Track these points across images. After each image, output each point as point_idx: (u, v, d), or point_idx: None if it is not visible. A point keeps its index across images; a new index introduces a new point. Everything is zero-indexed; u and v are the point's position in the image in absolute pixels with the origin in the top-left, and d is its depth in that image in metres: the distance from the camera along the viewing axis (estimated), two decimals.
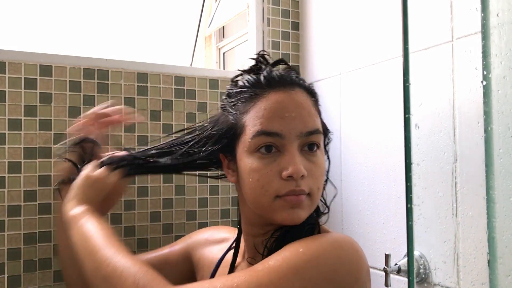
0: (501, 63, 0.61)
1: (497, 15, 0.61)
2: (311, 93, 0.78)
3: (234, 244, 0.88)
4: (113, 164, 0.90)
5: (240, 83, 0.78)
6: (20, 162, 1.16)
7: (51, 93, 1.20)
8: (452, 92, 0.98)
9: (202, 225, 1.33)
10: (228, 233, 0.98)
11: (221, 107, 0.82)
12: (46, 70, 1.20)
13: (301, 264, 0.63)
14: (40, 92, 1.19)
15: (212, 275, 0.86)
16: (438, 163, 1.01)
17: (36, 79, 1.19)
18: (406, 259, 1.07)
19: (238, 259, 0.85)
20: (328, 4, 1.42)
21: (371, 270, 1.23)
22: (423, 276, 1.04)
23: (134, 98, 1.29)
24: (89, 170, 0.89)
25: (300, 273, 0.62)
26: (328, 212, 0.81)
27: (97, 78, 1.25)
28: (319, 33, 1.47)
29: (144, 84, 1.31)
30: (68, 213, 0.83)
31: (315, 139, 0.73)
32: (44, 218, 1.18)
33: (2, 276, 1.13)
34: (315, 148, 0.73)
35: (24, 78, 1.18)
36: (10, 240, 1.14)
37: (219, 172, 0.87)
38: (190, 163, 0.83)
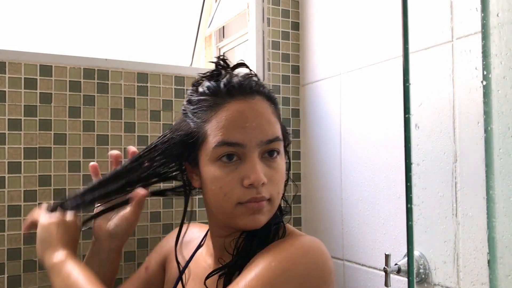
0: (501, 63, 0.61)
1: (497, 15, 0.61)
2: (271, 100, 0.79)
3: (203, 242, 0.92)
4: (71, 206, 0.90)
5: (200, 89, 0.79)
6: (20, 162, 1.16)
7: (51, 93, 1.20)
8: (452, 92, 0.98)
9: None
10: (198, 232, 0.99)
11: (183, 113, 0.82)
12: (46, 70, 1.20)
13: (274, 279, 0.66)
14: (40, 92, 1.19)
15: (181, 274, 0.85)
16: (438, 163, 1.01)
17: (36, 79, 1.19)
18: (406, 259, 1.07)
19: (208, 259, 0.88)
20: (328, 4, 1.42)
21: (371, 270, 1.24)
22: (423, 276, 1.04)
23: (134, 98, 1.29)
24: (55, 215, 0.88)
25: None
26: (289, 212, 0.85)
27: (97, 78, 1.25)
28: (319, 33, 1.47)
29: (144, 84, 1.31)
30: (50, 260, 0.82)
31: (275, 146, 0.75)
32: None
33: (2, 276, 1.13)
34: (275, 154, 0.76)
35: (24, 78, 1.18)
36: (10, 240, 1.14)
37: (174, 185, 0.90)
38: (152, 174, 0.84)
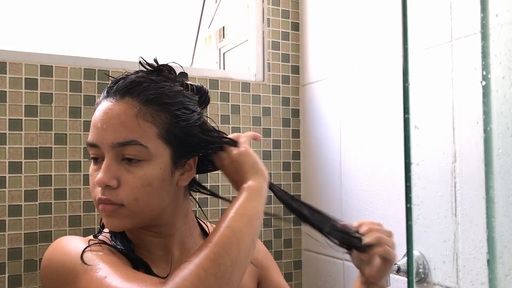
0: (501, 64, 0.61)
1: (497, 16, 0.61)
2: (146, 102, 0.72)
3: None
4: None
5: None
6: (21, 162, 1.16)
7: (52, 93, 1.20)
8: (452, 92, 0.99)
9: None
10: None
11: None
12: (46, 70, 1.20)
13: None
14: (40, 92, 1.19)
15: None
16: (437, 163, 1.01)
17: (37, 79, 1.19)
18: (405, 258, 1.07)
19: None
20: (328, 4, 1.42)
21: None
22: (422, 275, 1.04)
23: None
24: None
25: None
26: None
27: (97, 78, 1.26)
28: (319, 34, 1.47)
29: None
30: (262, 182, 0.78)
31: (131, 151, 0.71)
32: (45, 218, 1.18)
33: (3, 275, 1.13)
34: (135, 160, 0.72)
35: (25, 78, 1.18)
36: (11, 240, 1.15)
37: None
38: None
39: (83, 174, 1.23)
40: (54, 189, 1.19)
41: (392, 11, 1.18)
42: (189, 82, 0.81)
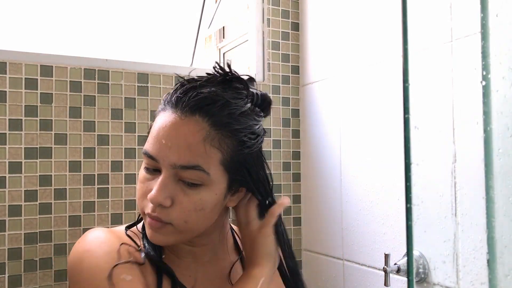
0: (501, 64, 0.62)
1: (497, 16, 0.61)
2: (218, 126, 0.69)
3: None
4: None
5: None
6: (21, 162, 1.16)
7: (52, 93, 1.20)
8: (452, 92, 0.99)
9: None
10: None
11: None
12: (46, 70, 1.20)
13: None
14: (40, 93, 1.19)
15: None
16: (437, 163, 1.01)
17: (37, 79, 1.19)
18: (405, 258, 1.07)
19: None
20: (328, 4, 1.42)
21: (371, 269, 1.24)
22: (422, 276, 1.04)
23: (135, 98, 1.29)
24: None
25: None
26: None
27: (97, 78, 1.26)
28: (319, 34, 1.47)
29: (145, 85, 1.31)
30: (271, 270, 0.77)
31: (192, 175, 0.68)
32: (45, 218, 1.18)
33: (3, 276, 1.13)
34: (195, 184, 0.69)
35: (25, 78, 1.18)
36: (11, 240, 1.15)
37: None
38: None
39: (83, 174, 1.23)
40: (54, 189, 1.20)
41: (392, 11, 1.18)
42: (255, 90, 0.77)
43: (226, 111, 0.69)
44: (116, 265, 0.69)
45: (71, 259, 0.72)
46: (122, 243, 0.73)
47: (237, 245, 0.87)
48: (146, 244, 0.75)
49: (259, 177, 0.75)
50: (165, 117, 0.70)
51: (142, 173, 0.72)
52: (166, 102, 0.72)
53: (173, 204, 0.69)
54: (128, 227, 0.79)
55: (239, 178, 0.73)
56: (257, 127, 0.74)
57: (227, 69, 0.74)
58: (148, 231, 0.72)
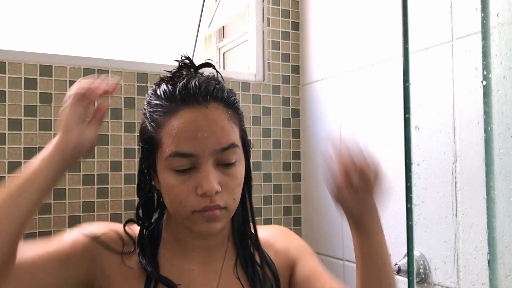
0: (501, 63, 0.61)
1: (497, 15, 0.61)
2: (229, 105, 0.76)
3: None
4: None
5: (158, 92, 0.76)
6: (20, 162, 1.16)
7: (51, 93, 1.20)
8: (452, 92, 0.98)
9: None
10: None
11: (143, 114, 0.80)
12: (46, 70, 1.20)
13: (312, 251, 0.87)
14: (40, 92, 1.19)
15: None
16: (438, 163, 1.01)
17: (36, 79, 1.19)
18: (406, 259, 1.07)
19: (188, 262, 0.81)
20: (328, 4, 1.42)
21: None
22: (423, 276, 1.04)
23: (134, 98, 1.29)
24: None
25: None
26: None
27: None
28: (319, 33, 1.47)
29: (144, 84, 1.30)
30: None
31: (231, 154, 0.73)
32: (44, 218, 1.18)
33: None
34: (231, 163, 0.74)
35: (24, 78, 1.18)
36: None
37: None
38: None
39: (83, 174, 1.22)
40: (54, 189, 1.19)
41: (392, 11, 1.18)
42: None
43: (226, 92, 0.76)
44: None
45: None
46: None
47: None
48: (141, 255, 0.77)
49: (249, 143, 0.81)
50: (185, 115, 0.72)
51: (173, 178, 0.73)
52: (167, 106, 0.73)
53: (222, 188, 0.73)
54: (128, 221, 0.81)
55: (246, 148, 0.79)
56: None
57: (188, 61, 0.81)
58: (200, 226, 0.74)
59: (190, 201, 0.72)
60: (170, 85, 0.75)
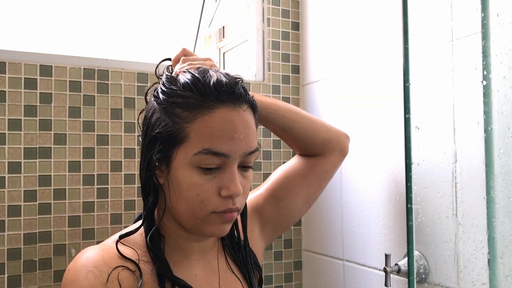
0: (501, 63, 0.61)
1: (497, 15, 0.61)
2: (255, 110, 0.76)
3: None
4: None
5: (182, 81, 0.72)
6: (20, 162, 1.16)
7: (51, 93, 1.20)
8: (452, 92, 0.98)
9: None
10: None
11: (157, 104, 0.73)
12: (46, 70, 1.20)
13: None
14: (40, 92, 1.19)
15: None
16: (438, 163, 1.01)
17: (36, 79, 1.19)
18: (406, 259, 1.07)
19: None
20: (328, 4, 1.42)
21: (371, 270, 1.23)
22: (423, 276, 1.04)
23: (134, 98, 1.29)
24: None
25: None
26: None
27: (97, 78, 1.25)
28: (319, 33, 1.47)
29: (144, 84, 1.30)
30: None
31: (252, 157, 0.74)
32: (44, 218, 1.18)
33: (2, 276, 1.13)
34: (249, 166, 0.75)
35: (24, 78, 1.18)
36: (10, 240, 1.14)
37: None
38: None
39: (83, 174, 1.22)
40: (54, 189, 1.19)
41: (392, 11, 1.18)
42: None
43: (248, 94, 0.76)
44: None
45: (61, 286, 0.71)
46: (115, 267, 0.70)
47: None
48: (153, 258, 0.74)
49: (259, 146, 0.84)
50: (224, 114, 0.70)
51: (197, 176, 0.70)
52: (201, 100, 0.69)
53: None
54: (121, 237, 0.76)
55: None
56: None
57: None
58: (216, 227, 0.73)
59: (213, 202, 0.70)
60: (200, 76, 0.71)
